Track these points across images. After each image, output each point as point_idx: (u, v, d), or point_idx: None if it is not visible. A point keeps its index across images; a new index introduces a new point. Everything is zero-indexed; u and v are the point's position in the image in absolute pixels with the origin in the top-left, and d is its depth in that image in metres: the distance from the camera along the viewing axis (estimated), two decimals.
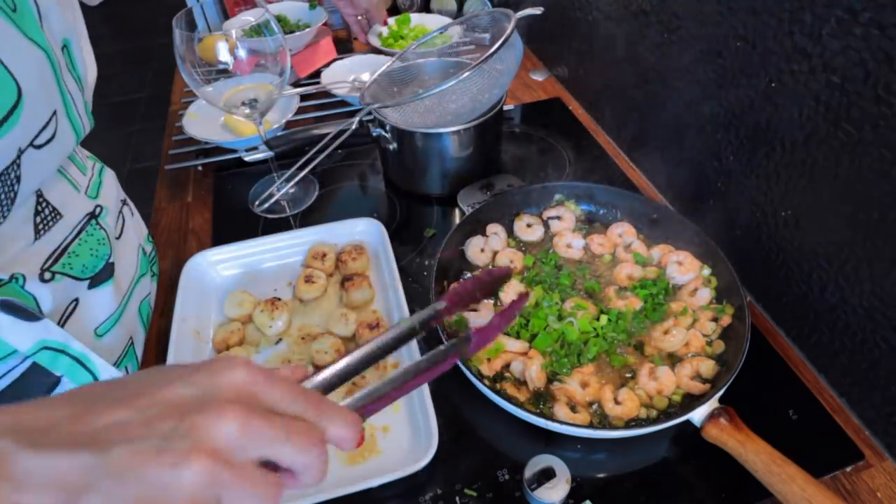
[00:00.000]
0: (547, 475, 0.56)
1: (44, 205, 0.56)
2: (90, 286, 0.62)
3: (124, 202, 0.73)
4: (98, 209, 0.63)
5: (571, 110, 1.15)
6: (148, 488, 0.25)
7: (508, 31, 0.77)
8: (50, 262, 0.57)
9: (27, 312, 0.52)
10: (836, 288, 0.64)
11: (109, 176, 0.70)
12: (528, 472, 0.57)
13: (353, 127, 0.83)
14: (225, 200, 0.98)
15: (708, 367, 0.64)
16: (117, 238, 0.68)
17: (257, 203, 0.95)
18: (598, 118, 1.12)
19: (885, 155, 0.54)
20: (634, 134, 1.01)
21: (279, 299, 0.74)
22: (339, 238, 0.84)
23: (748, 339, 0.62)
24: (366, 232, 0.84)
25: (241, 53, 0.77)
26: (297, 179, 0.95)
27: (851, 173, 0.58)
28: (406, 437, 0.62)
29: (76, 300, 0.60)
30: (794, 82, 0.62)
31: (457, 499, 0.58)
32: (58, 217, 0.58)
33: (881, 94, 0.53)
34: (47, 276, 0.56)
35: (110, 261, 0.64)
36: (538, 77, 1.27)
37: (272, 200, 0.93)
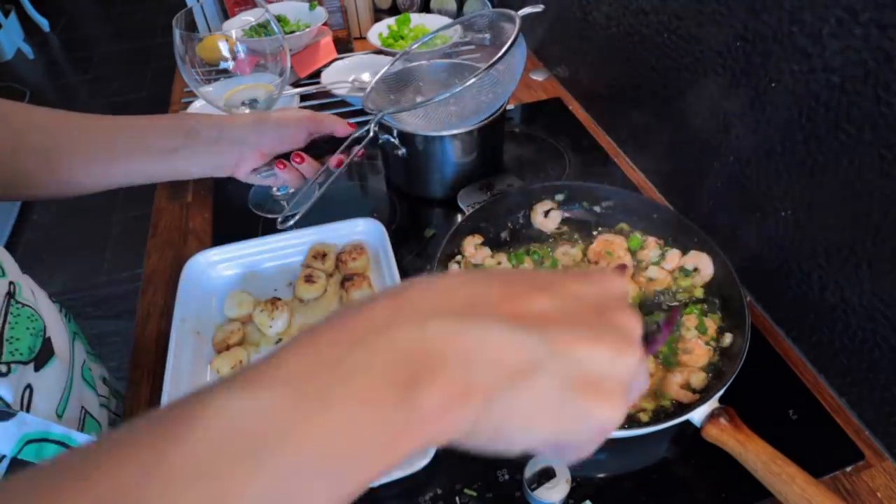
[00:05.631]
0: (547, 475, 0.56)
1: None
2: (36, 369, 0.58)
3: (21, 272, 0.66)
4: (12, 286, 0.58)
5: (571, 110, 1.15)
6: (588, 371, 0.26)
7: (516, 31, 0.76)
8: None
9: (0, 413, 0.50)
10: (836, 288, 0.64)
11: (2, 251, 0.63)
12: (528, 472, 0.57)
13: (370, 135, 0.80)
14: (225, 200, 0.98)
15: (699, 379, 0.63)
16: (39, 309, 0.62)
17: (257, 204, 0.95)
18: (598, 118, 1.12)
19: (885, 155, 0.54)
20: (634, 134, 1.01)
21: (279, 299, 0.74)
22: (339, 238, 0.84)
23: (748, 339, 0.62)
24: (366, 232, 0.84)
25: (241, 53, 0.77)
26: None
27: (851, 173, 0.58)
28: None
29: (29, 386, 0.56)
30: (794, 82, 0.62)
31: (457, 499, 0.58)
32: None
33: (881, 94, 0.53)
34: (3, 368, 0.53)
35: (47, 335, 0.60)
36: (538, 77, 1.26)
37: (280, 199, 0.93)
